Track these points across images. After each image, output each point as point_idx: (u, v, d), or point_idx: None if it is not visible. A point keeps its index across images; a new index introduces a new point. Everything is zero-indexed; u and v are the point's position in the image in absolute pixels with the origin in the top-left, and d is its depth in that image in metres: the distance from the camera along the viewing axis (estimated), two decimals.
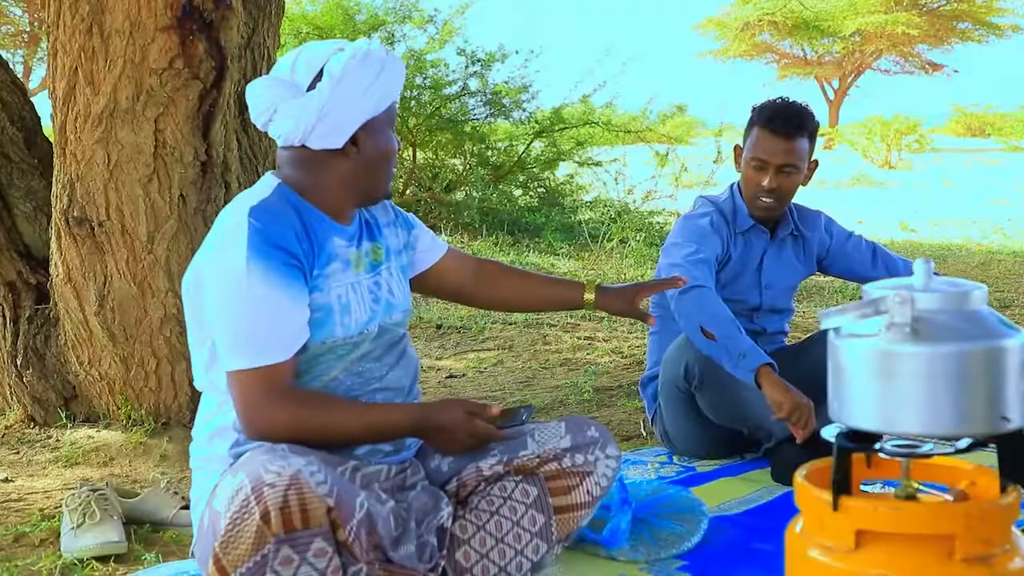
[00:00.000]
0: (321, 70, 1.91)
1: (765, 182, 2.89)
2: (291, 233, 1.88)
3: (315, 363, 1.94)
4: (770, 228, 3.02)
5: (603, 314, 5.34)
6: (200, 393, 2.03)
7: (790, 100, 2.95)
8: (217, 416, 1.95)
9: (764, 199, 2.91)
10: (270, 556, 1.65)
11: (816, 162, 2.98)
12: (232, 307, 1.84)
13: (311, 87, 1.91)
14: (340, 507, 1.70)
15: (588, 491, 2.06)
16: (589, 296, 2.29)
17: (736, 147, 3.00)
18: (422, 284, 2.27)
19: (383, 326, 2.04)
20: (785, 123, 2.88)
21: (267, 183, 1.97)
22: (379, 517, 1.82)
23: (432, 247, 2.25)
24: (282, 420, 1.84)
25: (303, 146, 1.94)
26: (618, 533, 2.20)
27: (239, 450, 1.91)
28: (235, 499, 1.67)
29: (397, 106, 2.05)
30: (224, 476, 1.79)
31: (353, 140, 1.94)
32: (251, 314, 1.83)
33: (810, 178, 2.99)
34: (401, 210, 2.24)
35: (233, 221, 1.87)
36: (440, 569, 1.94)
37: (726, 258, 2.96)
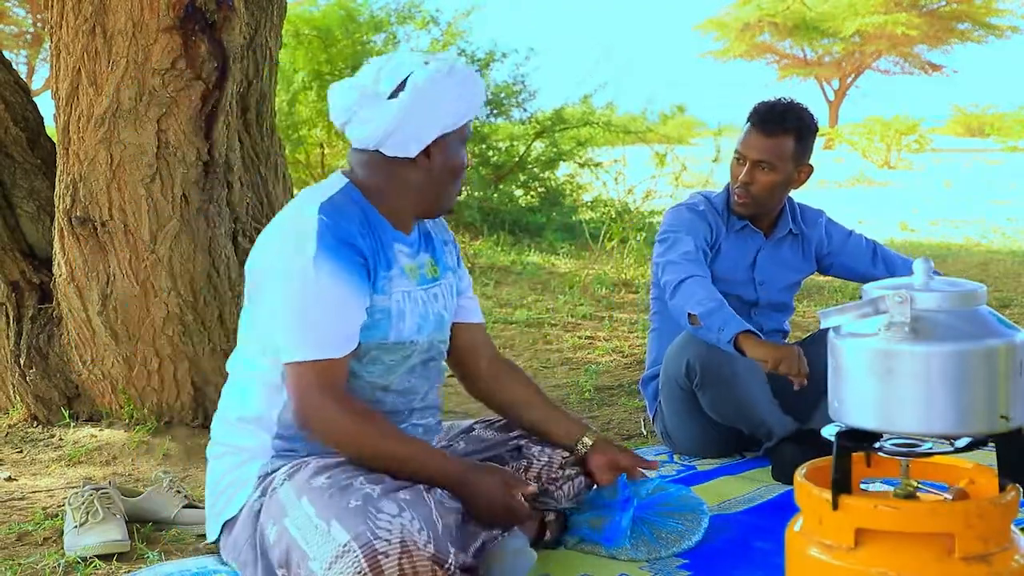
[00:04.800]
0: (404, 80, 1.94)
1: (741, 175, 2.91)
2: (356, 230, 1.93)
3: (369, 366, 1.98)
4: (763, 229, 3.03)
5: (604, 314, 5.37)
6: (213, 388, 2.07)
7: (787, 100, 2.96)
8: (257, 404, 1.98)
9: (738, 193, 2.94)
10: None
11: (810, 167, 2.97)
12: (298, 301, 1.88)
13: (392, 95, 1.94)
14: (437, 555, 1.72)
15: None
16: (587, 441, 2.22)
17: None
18: None
19: (431, 342, 2.08)
20: (765, 119, 2.90)
21: (333, 181, 2.02)
22: (454, 534, 1.83)
23: (471, 308, 2.25)
24: (341, 427, 1.89)
25: (377, 151, 1.97)
26: (619, 531, 2.20)
27: (284, 445, 1.96)
28: (342, 561, 1.69)
29: (471, 125, 2.08)
30: (298, 505, 1.82)
31: (426, 152, 1.98)
32: (316, 308, 1.87)
33: (802, 182, 2.98)
34: (456, 244, 2.26)
35: (301, 215, 1.93)
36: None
37: (717, 248, 2.98)
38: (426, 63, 1.96)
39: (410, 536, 1.71)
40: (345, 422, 1.89)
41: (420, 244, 2.10)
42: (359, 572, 1.68)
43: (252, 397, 2.01)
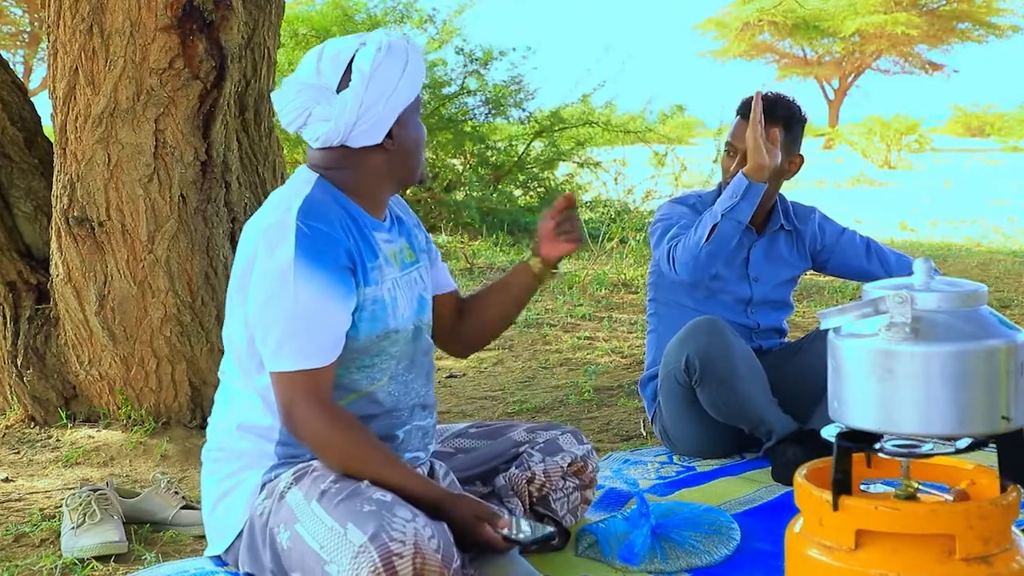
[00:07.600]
0: (348, 68, 1.92)
1: (732, 167, 2.90)
2: (339, 231, 1.92)
3: (377, 358, 1.98)
4: (755, 225, 3.02)
5: (603, 314, 5.36)
6: (211, 389, 2.05)
7: (775, 92, 2.96)
8: (253, 415, 1.98)
9: None
10: None
11: (801, 157, 2.98)
12: (276, 309, 1.87)
13: (341, 86, 1.92)
14: (445, 559, 1.74)
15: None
16: (534, 263, 2.23)
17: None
18: None
19: (417, 327, 2.09)
20: None
21: (305, 179, 1.99)
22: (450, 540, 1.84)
23: (445, 278, 2.26)
24: (328, 438, 1.89)
25: (342, 146, 1.96)
26: (634, 549, 2.15)
27: (289, 451, 1.96)
28: (357, 561, 1.70)
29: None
30: (308, 510, 1.82)
31: (389, 134, 1.97)
32: (295, 317, 1.86)
33: (793, 173, 2.98)
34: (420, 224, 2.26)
35: (279, 221, 1.90)
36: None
37: None
38: (363, 44, 1.94)
39: (422, 540, 1.72)
40: (332, 434, 1.89)
41: (395, 230, 2.10)
42: (374, 571, 1.69)
43: (251, 405, 1.99)
